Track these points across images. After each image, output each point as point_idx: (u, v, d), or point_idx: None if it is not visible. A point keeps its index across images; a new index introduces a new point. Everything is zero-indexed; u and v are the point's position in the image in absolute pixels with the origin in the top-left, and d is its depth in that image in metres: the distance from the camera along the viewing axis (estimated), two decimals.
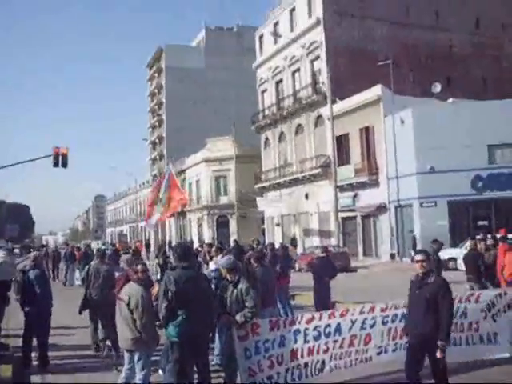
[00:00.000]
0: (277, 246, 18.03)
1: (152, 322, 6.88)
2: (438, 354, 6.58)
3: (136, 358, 6.95)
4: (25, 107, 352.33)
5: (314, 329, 7.78)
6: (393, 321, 8.31)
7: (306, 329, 7.73)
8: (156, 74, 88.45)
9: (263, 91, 51.89)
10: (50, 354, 10.02)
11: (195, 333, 6.58)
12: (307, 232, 43.98)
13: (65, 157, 29.70)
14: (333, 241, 36.96)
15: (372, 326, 8.18)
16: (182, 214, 63.18)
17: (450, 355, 8.66)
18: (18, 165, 38.19)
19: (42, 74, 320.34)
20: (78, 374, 9.37)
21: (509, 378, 8.24)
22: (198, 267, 8.69)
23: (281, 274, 12.80)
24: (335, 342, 7.89)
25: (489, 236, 15.66)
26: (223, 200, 58.13)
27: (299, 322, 7.74)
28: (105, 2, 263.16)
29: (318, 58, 42.13)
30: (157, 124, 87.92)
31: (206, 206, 59.00)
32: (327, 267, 12.87)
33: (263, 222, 52.68)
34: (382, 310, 8.31)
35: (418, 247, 31.99)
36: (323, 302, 12.20)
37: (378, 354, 8.26)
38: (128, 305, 6.89)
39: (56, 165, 29.57)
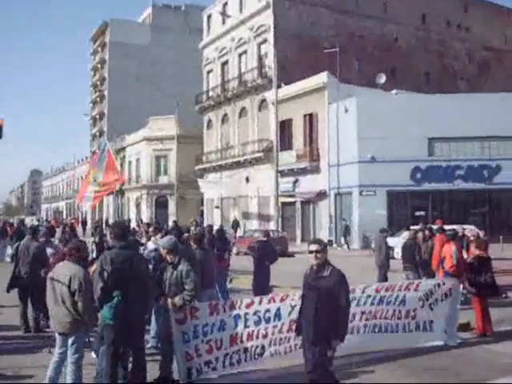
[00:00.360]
0: (216, 228, 17.82)
1: (92, 303, 6.42)
2: (329, 352, 5.99)
3: (70, 341, 6.51)
4: None
5: (254, 313, 7.66)
6: None
7: (246, 313, 7.60)
8: (100, 49, 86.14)
9: (209, 72, 51.38)
10: None
11: (131, 315, 6.31)
12: (246, 215, 43.97)
13: (0, 128, 28.47)
14: (271, 225, 37.08)
15: None
16: (121, 192, 62.06)
17: (386, 341, 8.81)
18: None
19: None
20: (5, 355, 8.83)
21: (441, 365, 8.35)
22: (136, 246, 8.36)
23: (218, 256, 12.62)
24: (275, 327, 7.80)
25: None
26: (163, 180, 57.34)
27: (239, 307, 7.60)
28: None
29: (265, 41, 41.93)
30: (98, 100, 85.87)
31: (146, 185, 58.09)
32: (268, 251, 12.79)
33: (202, 204, 52.38)
34: None
35: (355, 235, 32.59)
36: (262, 285, 12.12)
37: None
38: (69, 286, 6.36)
39: None
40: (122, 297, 6.21)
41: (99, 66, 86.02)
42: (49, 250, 10.82)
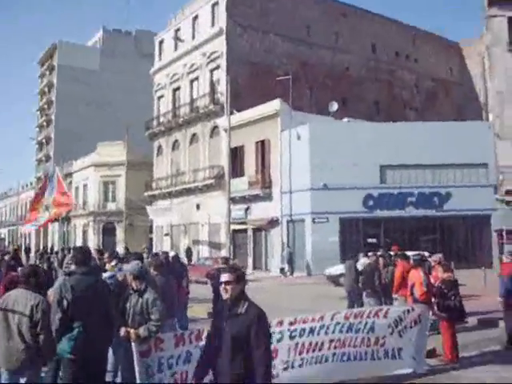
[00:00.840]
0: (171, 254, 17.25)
1: (51, 335, 5.75)
2: None
3: (24, 379, 5.81)
4: None
5: None
6: (300, 335, 8.02)
7: None
8: (47, 72, 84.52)
9: (159, 97, 50.91)
10: None
11: (92, 347, 5.77)
12: (197, 243, 43.32)
13: None
14: (223, 253, 36.55)
15: (279, 341, 7.82)
16: (67, 219, 60.47)
17: (355, 370, 8.54)
18: None
19: None
20: None
21: None
22: (98, 272, 7.81)
23: (177, 284, 12.11)
24: None
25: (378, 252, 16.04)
26: (111, 207, 56.13)
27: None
28: None
29: (217, 67, 41.85)
30: (45, 124, 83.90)
31: (93, 212, 56.70)
32: None
33: (151, 232, 51.41)
34: (291, 324, 7.96)
35: (306, 262, 32.41)
36: None
37: (285, 369, 7.91)
38: (30, 317, 5.66)
39: None
40: (84, 327, 5.68)
41: (46, 89, 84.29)
42: None
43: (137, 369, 6.49)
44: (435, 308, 9.99)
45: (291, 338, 7.95)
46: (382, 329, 8.86)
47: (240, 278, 5.09)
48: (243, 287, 5.11)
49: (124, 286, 7.41)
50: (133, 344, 6.48)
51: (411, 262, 12.04)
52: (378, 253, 15.44)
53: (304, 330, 8.08)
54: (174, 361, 6.78)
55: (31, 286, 5.93)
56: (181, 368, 6.84)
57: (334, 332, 8.38)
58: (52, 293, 6.61)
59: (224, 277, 5.05)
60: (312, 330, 8.19)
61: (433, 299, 10.07)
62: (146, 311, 6.47)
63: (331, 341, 8.35)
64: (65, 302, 5.70)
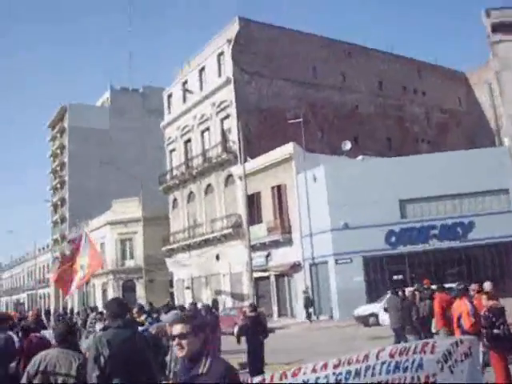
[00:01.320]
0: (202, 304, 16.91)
1: None
2: None
3: None
4: None
5: None
6: (346, 379, 7.49)
7: None
8: (58, 134, 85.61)
9: (171, 151, 51.18)
10: None
11: None
12: (219, 294, 42.69)
13: None
14: (246, 302, 35.96)
15: None
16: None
17: None
18: None
19: None
20: None
21: None
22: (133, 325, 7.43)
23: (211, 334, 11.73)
24: None
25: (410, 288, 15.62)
26: (129, 264, 55.90)
27: None
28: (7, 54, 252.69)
29: (228, 116, 42.04)
30: (58, 186, 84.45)
31: (112, 270, 56.42)
32: (260, 326, 12.02)
33: (171, 286, 50.84)
34: (335, 367, 7.46)
35: (331, 305, 31.71)
36: (257, 363, 11.25)
37: None
38: (76, 377, 5.23)
39: None
40: None
41: (58, 151, 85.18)
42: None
43: None
44: (484, 339, 9.43)
45: (337, 382, 7.47)
46: (431, 365, 8.27)
47: (198, 329, 4.03)
48: (203, 340, 4.04)
49: (158, 339, 7.06)
50: None
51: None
52: (410, 288, 14.98)
53: (350, 372, 7.55)
54: None
55: (71, 345, 5.58)
56: None
57: (380, 373, 7.83)
58: (86, 350, 6.25)
59: (176, 329, 4.01)
60: (358, 373, 7.65)
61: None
62: None
63: (379, 383, 7.85)
64: (102, 359, 5.30)
